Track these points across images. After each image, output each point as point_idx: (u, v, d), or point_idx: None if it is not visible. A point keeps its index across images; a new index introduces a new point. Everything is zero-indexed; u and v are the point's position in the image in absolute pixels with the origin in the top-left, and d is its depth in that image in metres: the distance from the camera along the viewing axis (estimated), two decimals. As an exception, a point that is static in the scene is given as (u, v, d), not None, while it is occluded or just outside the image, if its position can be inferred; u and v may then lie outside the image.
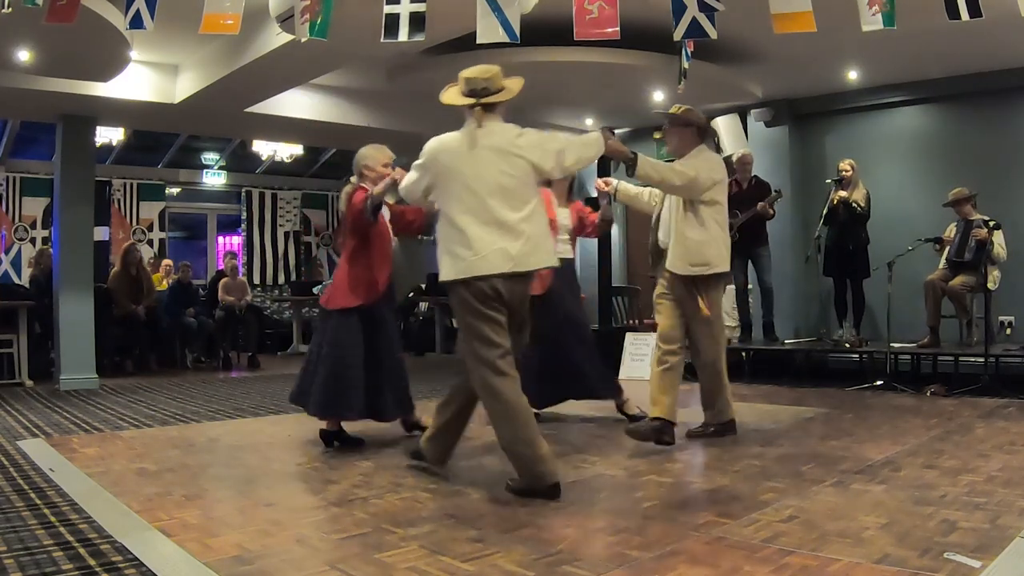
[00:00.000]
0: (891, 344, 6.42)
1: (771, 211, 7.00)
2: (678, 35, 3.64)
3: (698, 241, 4.09)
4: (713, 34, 3.57)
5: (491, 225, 3.14)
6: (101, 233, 9.86)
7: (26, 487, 3.38)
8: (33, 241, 10.00)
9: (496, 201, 3.16)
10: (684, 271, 4.13)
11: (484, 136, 3.22)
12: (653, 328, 4.62)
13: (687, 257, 4.12)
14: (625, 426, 4.36)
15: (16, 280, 9.64)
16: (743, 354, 7.36)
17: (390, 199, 4.12)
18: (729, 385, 4.40)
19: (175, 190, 11.49)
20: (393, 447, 4.20)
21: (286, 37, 5.17)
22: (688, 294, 4.17)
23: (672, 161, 4.26)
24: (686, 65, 4.72)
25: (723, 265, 4.17)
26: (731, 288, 7.71)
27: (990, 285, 6.19)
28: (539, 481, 3.10)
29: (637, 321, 8.51)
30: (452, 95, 3.34)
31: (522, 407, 3.16)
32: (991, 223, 6.13)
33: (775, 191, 7.05)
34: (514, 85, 3.31)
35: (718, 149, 4.31)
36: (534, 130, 3.32)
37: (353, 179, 4.24)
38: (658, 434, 4.01)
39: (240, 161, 11.75)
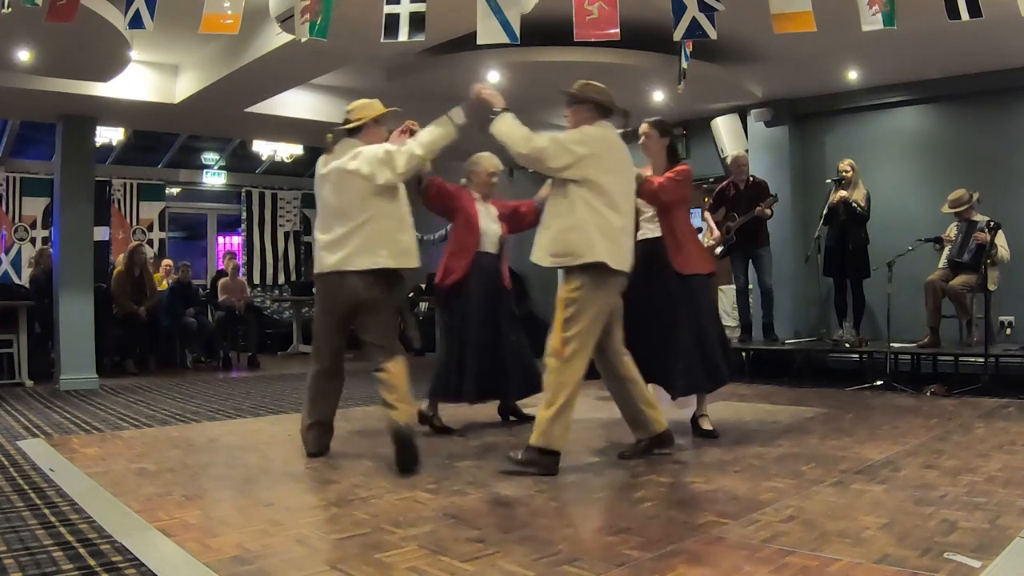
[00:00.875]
0: (891, 344, 6.42)
1: (768, 212, 7.02)
2: (678, 35, 3.64)
3: (560, 228, 3.52)
4: (713, 34, 3.57)
5: (327, 234, 3.79)
6: (101, 233, 9.86)
7: (26, 487, 3.38)
8: (33, 241, 10.00)
9: (330, 215, 3.80)
10: (546, 262, 3.56)
11: (332, 159, 3.82)
12: None
13: (548, 246, 3.56)
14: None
15: (16, 280, 9.65)
16: (743, 354, 7.37)
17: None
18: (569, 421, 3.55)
19: (175, 190, 11.50)
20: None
21: (286, 37, 5.17)
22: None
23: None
24: (685, 65, 4.72)
25: (591, 255, 3.44)
26: (731, 288, 7.73)
27: (990, 285, 6.19)
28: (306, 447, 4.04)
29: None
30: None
31: (314, 395, 4.01)
32: (990, 223, 6.12)
33: (772, 195, 7.05)
34: (370, 113, 3.87)
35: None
36: (374, 147, 3.76)
37: (463, 180, 4.78)
38: (652, 446, 3.84)
39: (240, 161, 11.76)
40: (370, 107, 3.88)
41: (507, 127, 3.58)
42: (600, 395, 5.35)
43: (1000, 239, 6.15)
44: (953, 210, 6.45)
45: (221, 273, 10.12)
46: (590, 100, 3.69)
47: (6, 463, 3.88)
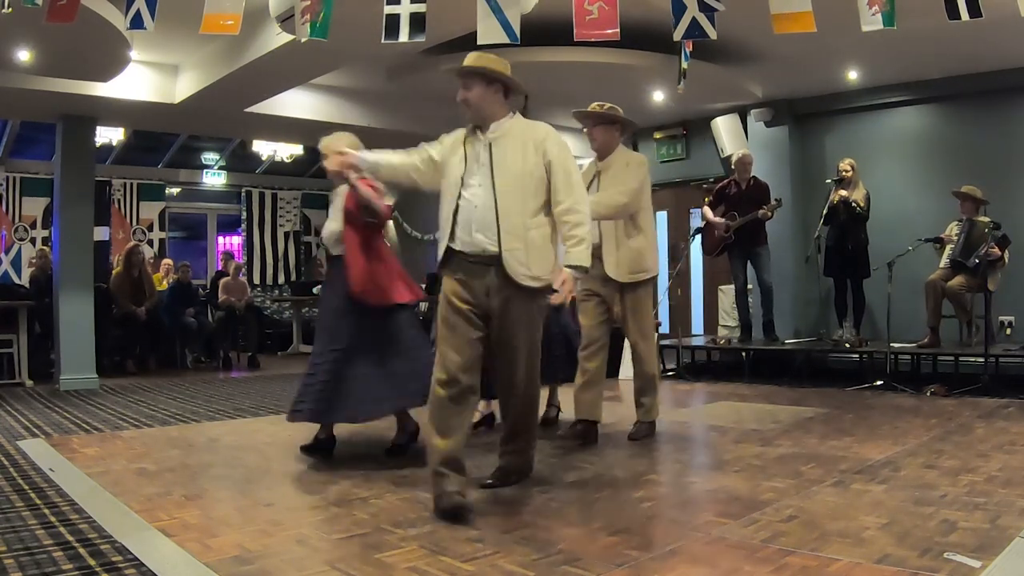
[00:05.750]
0: (891, 344, 6.42)
1: (769, 215, 7.02)
2: (678, 35, 3.64)
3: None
4: (713, 34, 3.57)
5: None
6: (101, 233, 9.86)
7: (26, 487, 3.39)
8: (33, 241, 10.00)
9: None
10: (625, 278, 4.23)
11: None
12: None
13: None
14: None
15: (16, 280, 9.64)
16: (743, 354, 7.37)
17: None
18: None
19: (175, 190, 11.49)
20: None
21: (286, 37, 5.17)
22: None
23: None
24: (685, 65, 4.71)
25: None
26: (731, 288, 7.73)
27: (990, 286, 6.19)
28: None
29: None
30: None
31: None
32: (994, 225, 6.10)
33: (775, 199, 7.05)
34: None
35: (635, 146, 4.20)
36: None
37: None
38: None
39: (240, 161, 11.75)
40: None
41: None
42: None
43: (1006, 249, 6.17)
44: (965, 191, 6.40)
45: (222, 273, 10.12)
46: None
47: (6, 463, 3.88)
